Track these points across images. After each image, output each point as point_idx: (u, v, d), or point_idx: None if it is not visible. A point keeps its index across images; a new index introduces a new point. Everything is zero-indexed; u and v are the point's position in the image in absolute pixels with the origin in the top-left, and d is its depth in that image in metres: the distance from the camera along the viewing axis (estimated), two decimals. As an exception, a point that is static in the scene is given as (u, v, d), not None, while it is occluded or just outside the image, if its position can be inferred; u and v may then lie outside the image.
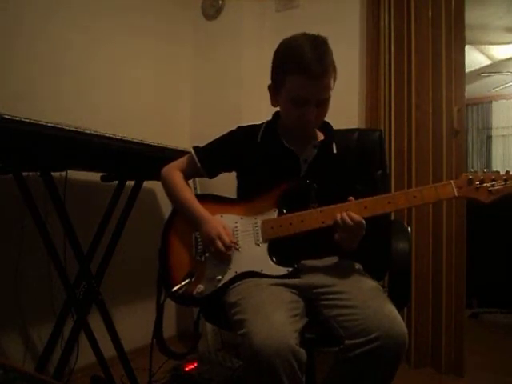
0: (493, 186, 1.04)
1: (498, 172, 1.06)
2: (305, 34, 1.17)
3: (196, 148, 1.35)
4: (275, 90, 1.22)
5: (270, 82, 1.25)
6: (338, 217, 1.09)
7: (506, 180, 1.04)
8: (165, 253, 1.28)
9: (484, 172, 1.06)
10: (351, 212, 1.08)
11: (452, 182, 1.07)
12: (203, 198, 1.29)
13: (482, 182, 1.05)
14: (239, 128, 1.35)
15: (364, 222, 1.09)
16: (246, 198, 1.26)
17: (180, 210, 1.30)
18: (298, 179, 1.23)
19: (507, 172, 1.05)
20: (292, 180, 1.22)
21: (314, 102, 1.15)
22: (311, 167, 1.26)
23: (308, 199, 1.19)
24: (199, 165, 1.32)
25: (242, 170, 1.34)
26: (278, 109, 1.30)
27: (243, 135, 1.33)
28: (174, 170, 1.34)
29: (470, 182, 1.06)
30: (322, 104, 1.17)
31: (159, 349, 1.18)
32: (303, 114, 1.16)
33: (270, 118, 1.35)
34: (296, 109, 1.16)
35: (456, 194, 1.06)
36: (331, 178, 1.25)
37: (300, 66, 1.11)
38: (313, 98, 1.14)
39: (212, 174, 1.36)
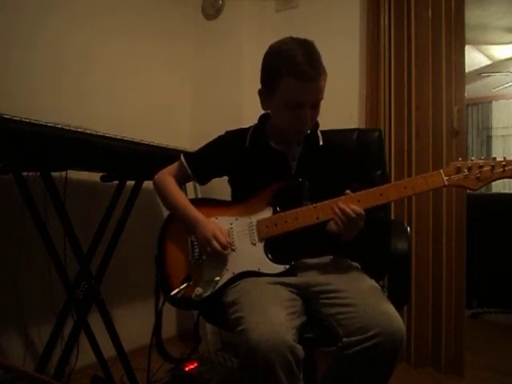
0: (480, 172, 1.04)
1: (486, 159, 1.06)
2: (293, 38, 1.17)
3: (185, 154, 1.35)
4: (267, 95, 1.22)
5: (259, 87, 1.24)
6: (337, 209, 1.08)
7: (493, 166, 1.04)
8: (162, 259, 1.28)
9: (472, 160, 1.07)
10: (351, 203, 1.08)
11: (441, 171, 1.08)
12: (197, 202, 1.29)
13: (470, 169, 1.05)
14: (227, 133, 1.36)
15: (364, 213, 1.08)
16: (240, 199, 1.27)
17: (175, 214, 1.30)
18: (289, 178, 1.24)
19: (494, 158, 1.05)
20: (284, 179, 1.22)
21: (309, 104, 1.15)
22: (300, 164, 1.27)
23: (301, 197, 1.20)
24: (190, 172, 1.32)
25: (233, 174, 1.35)
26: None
27: (231, 140, 1.33)
28: (166, 176, 1.34)
29: (459, 170, 1.06)
30: (316, 106, 1.18)
31: (159, 353, 1.18)
32: (299, 117, 1.16)
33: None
34: (291, 113, 1.16)
35: (445, 182, 1.07)
36: (321, 172, 1.25)
37: (294, 69, 1.10)
38: (307, 100, 1.15)
39: (203, 181, 1.37)
